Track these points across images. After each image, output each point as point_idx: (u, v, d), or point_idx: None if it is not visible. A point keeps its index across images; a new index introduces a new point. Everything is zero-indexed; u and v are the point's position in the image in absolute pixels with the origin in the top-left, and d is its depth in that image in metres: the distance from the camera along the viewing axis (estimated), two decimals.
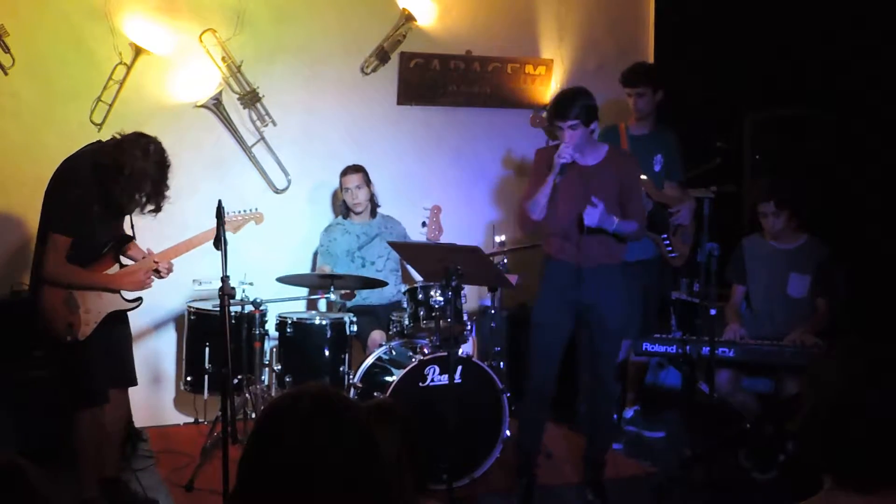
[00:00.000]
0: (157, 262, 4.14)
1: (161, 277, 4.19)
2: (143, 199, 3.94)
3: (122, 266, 4.15)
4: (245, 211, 4.56)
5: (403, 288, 5.09)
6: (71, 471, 4.08)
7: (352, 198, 5.34)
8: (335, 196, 5.70)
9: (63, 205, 3.92)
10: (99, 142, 4.05)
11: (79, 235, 3.90)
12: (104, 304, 4.03)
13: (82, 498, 4.03)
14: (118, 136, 3.94)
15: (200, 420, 5.28)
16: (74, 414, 3.99)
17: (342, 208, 5.49)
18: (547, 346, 4.29)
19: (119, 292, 4.07)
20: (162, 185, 3.95)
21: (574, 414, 5.40)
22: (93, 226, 3.97)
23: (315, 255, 5.65)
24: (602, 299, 4.23)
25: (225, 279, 3.72)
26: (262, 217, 4.62)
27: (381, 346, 4.82)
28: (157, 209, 4.01)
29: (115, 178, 3.85)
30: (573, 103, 4.14)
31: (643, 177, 5.17)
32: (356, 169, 5.35)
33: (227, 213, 4.32)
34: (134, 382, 4.27)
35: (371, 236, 5.39)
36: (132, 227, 4.21)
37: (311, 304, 5.73)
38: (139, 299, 4.18)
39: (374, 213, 5.45)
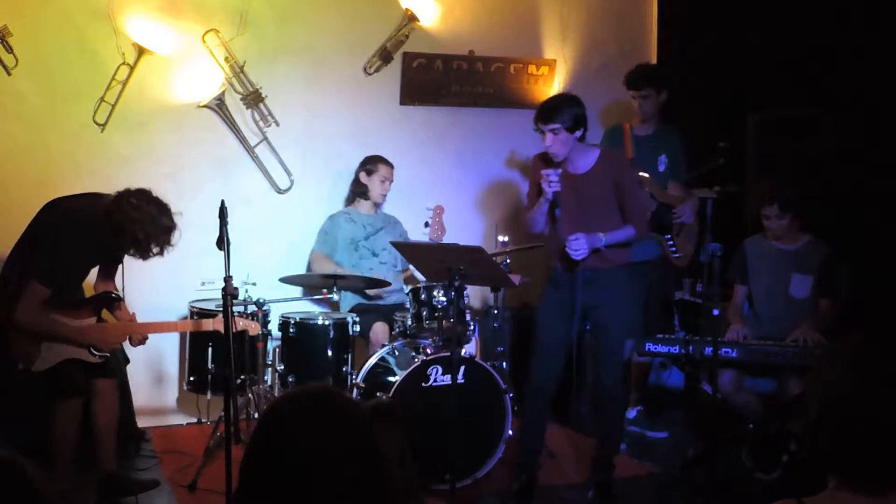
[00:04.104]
0: (134, 330, 4.20)
1: (132, 345, 4.28)
2: (153, 253, 4.01)
3: (100, 319, 4.19)
4: (248, 315, 4.64)
5: (407, 288, 5.09)
6: (71, 469, 4.12)
7: (383, 189, 5.42)
8: (354, 181, 5.58)
9: (53, 257, 3.93)
10: (97, 196, 4.06)
11: (60, 290, 3.96)
12: (67, 351, 4.06)
13: (56, 492, 4.04)
14: (117, 197, 3.95)
15: (203, 420, 5.27)
16: (52, 406, 4.06)
17: (352, 193, 5.51)
18: (548, 347, 4.30)
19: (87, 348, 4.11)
20: (168, 238, 3.99)
21: (576, 415, 5.42)
22: (76, 280, 4.06)
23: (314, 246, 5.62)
24: (603, 301, 4.23)
25: (228, 279, 3.73)
26: (258, 329, 4.65)
27: (384, 345, 4.82)
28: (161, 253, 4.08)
29: (124, 246, 3.93)
30: (559, 108, 4.13)
31: (644, 174, 5.18)
32: (391, 164, 5.43)
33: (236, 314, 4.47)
34: (112, 375, 4.26)
35: (377, 228, 5.43)
36: (123, 285, 4.30)
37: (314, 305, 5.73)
38: (106, 354, 4.19)
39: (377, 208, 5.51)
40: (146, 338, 4.25)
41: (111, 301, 4.23)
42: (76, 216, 4.01)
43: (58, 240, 3.97)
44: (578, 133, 4.14)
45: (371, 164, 5.42)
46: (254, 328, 4.56)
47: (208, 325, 4.40)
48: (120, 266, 4.34)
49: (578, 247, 4.10)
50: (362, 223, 5.42)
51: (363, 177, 5.43)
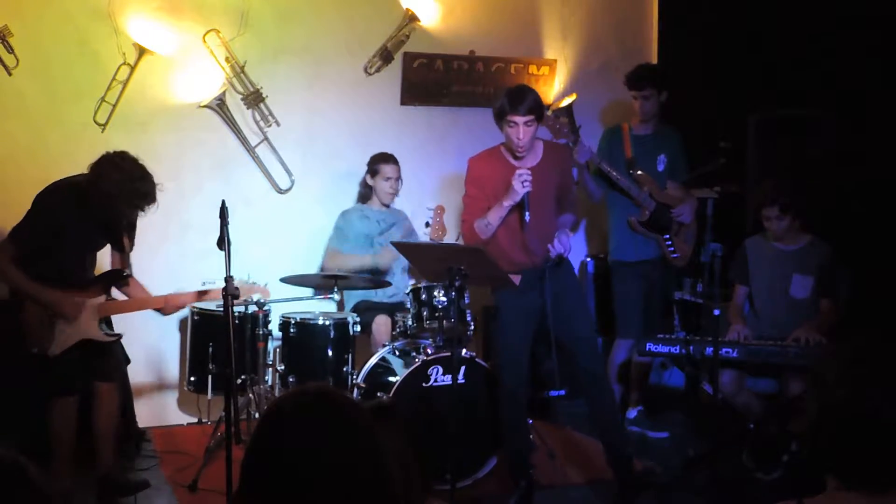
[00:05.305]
0: (121, 309, 4.27)
1: (164, 313, 4.40)
2: (126, 212, 4.06)
3: (109, 298, 4.22)
4: (254, 282, 4.58)
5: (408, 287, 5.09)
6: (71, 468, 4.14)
7: (391, 188, 5.34)
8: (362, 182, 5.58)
9: (25, 218, 4.03)
10: (79, 175, 4.12)
11: (24, 251, 3.98)
12: (79, 331, 4.09)
13: (58, 491, 4.05)
14: (100, 157, 4.01)
15: (204, 420, 5.27)
16: (47, 403, 4.09)
17: (362, 193, 5.49)
18: (516, 349, 4.28)
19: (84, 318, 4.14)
20: (142, 203, 4.00)
21: (571, 416, 5.43)
22: (58, 247, 4.05)
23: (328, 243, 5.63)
24: (564, 288, 4.21)
25: (228, 279, 3.73)
26: (269, 293, 4.64)
27: (384, 345, 4.82)
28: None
29: (110, 206, 3.96)
30: (533, 97, 4.04)
31: (643, 174, 5.18)
32: (396, 160, 5.36)
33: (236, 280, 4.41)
34: (112, 379, 4.30)
35: (390, 223, 5.41)
36: (129, 265, 4.32)
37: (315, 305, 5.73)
38: (118, 335, 4.25)
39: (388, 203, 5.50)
40: (169, 307, 4.27)
41: (118, 278, 4.25)
42: (56, 185, 4.07)
43: (35, 205, 4.04)
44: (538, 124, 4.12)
45: (374, 164, 5.37)
46: (262, 291, 4.50)
47: (216, 294, 4.25)
48: (129, 250, 4.37)
49: (565, 245, 4.11)
50: (376, 219, 5.40)
51: (368, 179, 5.41)
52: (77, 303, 4.07)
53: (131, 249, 4.37)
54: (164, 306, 4.27)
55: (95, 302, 4.14)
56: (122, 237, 4.30)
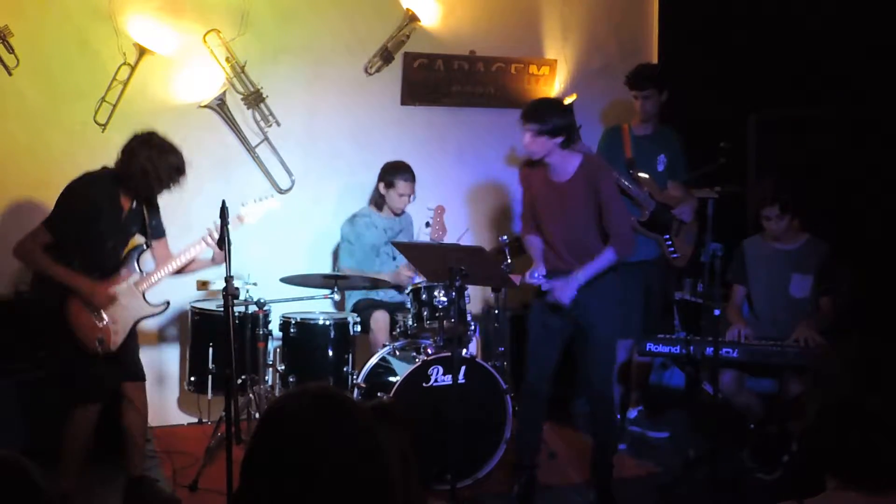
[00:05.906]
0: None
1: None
2: (163, 184, 4.08)
3: (143, 273, 4.22)
4: (260, 199, 4.52)
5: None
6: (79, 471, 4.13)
7: (402, 203, 5.33)
8: (375, 190, 5.52)
9: (58, 206, 4.03)
10: (105, 168, 4.14)
11: (61, 239, 3.97)
12: (131, 313, 4.13)
13: (58, 492, 4.05)
14: (132, 137, 4.06)
15: (204, 420, 5.28)
16: (68, 410, 4.07)
17: (376, 200, 5.44)
18: (541, 348, 4.31)
19: (140, 298, 4.18)
20: (175, 174, 4.06)
21: (572, 415, 5.43)
22: (89, 235, 4.04)
23: (336, 251, 5.61)
24: (591, 305, 4.19)
25: (229, 279, 3.74)
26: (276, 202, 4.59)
27: (385, 344, 4.82)
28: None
29: (145, 183, 3.99)
30: (540, 112, 4.11)
31: (643, 174, 5.18)
32: (414, 177, 5.32)
33: (246, 203, 4.47)
34: (141, 378, 4.30)
35: (397, 231, 5.40)
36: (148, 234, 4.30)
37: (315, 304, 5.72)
38: (166, 303, 4.30)
39: None
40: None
41: (140, 252, 4.25)
42: (89, 175, 4.09)
43: (67, 196, 4.04)
44: (559, 139, 4.09)
45: (391, 177, 5.30)
46: (247, 217, 4.43)
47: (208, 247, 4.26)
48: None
49: (564, 292, 4.15)
50: (383, 227, 5.38)
51: (381, 188, 5.37)
52: (109, 293, 4.06)
53: (163, 233, 4.37)
54: (215, 253, 4.22)
55: (131, 282, 4.15)
56: (155, 221, 4.29)
